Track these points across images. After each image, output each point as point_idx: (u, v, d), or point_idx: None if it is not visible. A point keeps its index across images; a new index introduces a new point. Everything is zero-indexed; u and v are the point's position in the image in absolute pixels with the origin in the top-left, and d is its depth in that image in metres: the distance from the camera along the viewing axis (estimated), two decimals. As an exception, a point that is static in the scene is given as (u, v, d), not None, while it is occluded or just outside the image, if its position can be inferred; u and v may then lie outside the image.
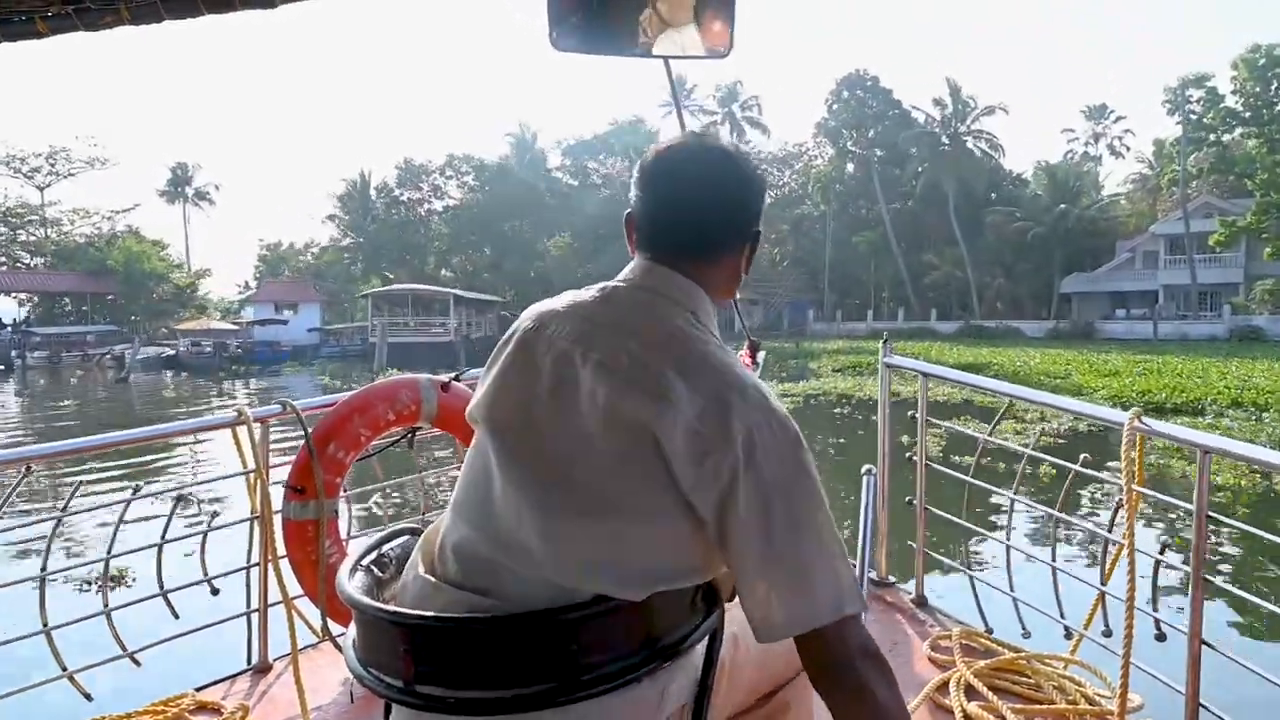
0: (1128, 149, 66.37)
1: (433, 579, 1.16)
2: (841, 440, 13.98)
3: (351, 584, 1.21)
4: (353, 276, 62.66)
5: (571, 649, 1.03)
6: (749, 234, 1.25)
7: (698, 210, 1.21)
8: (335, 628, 2.71)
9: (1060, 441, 12.56)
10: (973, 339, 46.14)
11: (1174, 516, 7.89)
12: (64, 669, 2.30)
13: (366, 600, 1.13)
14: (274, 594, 2.64)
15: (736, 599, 1.37)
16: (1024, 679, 2.50)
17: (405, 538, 1.45)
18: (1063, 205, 53.22)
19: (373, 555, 1.34)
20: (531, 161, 64.58)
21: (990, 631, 2.76)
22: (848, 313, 61.14)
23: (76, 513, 2.47)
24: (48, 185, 58.57)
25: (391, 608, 1.11)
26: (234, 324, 56.17)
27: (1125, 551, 2.19)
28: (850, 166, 62.80)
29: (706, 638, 1.18)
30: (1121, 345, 39.11)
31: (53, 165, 58.02)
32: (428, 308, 50.23)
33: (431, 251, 65.73)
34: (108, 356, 43.49)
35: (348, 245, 66.48)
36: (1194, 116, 46.22)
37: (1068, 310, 53.01)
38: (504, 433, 1.17)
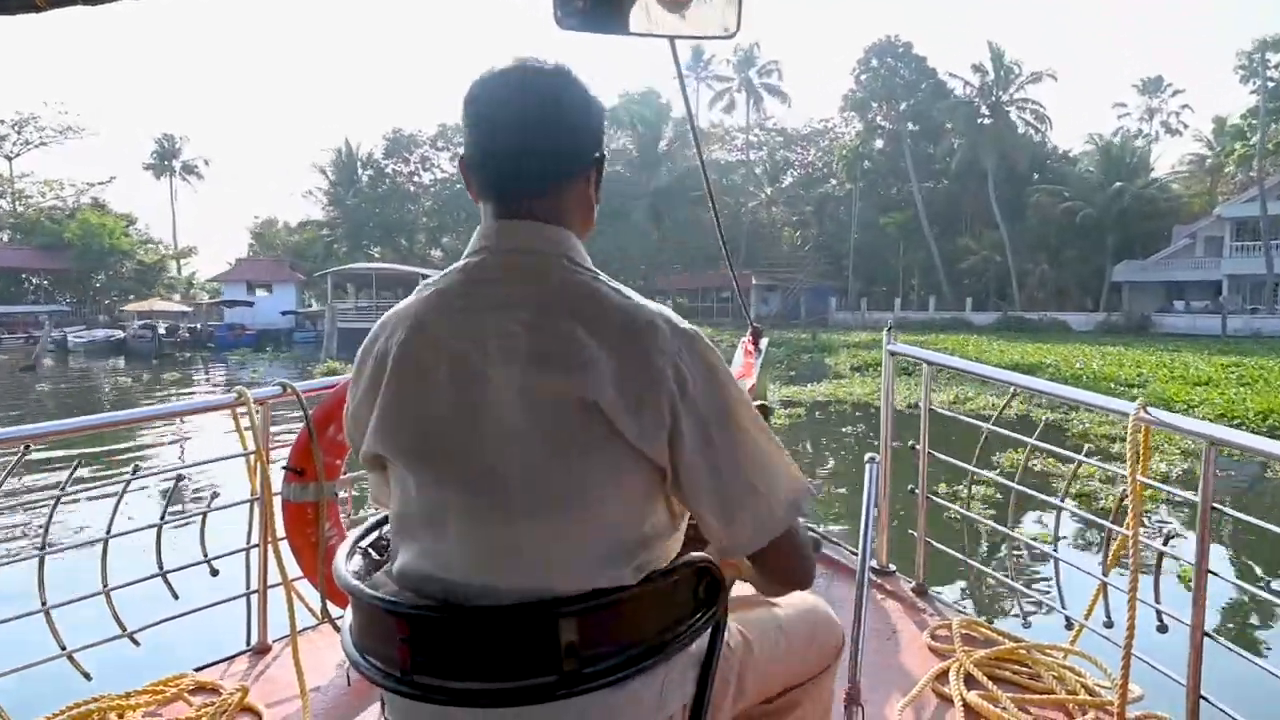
0: (1185, 126, 60.12)
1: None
2: (852, 470, 10.18)
3: (349, 568, 1.20)
4: (336, 255, 55.11)
5: (572, 642, 1.01)
6: (590, 159, 1.16)
7: (530, 142, 1.10)
8: (334, 609, 2.71)
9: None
10: (1013, 332, 41.34)
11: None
12: (63, 648, 2.29)
13: (364, 587, 1.11)
14: (273, 576, 2.64)
15: (740, 591, 1.37)
16: (1024, 669, 2.50)
17: None
18: (1118, 184, 47.52)
19: (370, 539, 1.32)
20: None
21: (990, 621, 2.76)
22: (874, 301, 55.50)
23: (75, 492, 2.46)
24: (16, 155, 55.49)
25: (389, 596, 1.08)
26: (192, 305, 51.70)
27: (1128, 542, 2.18)
28: (879, 142, 57.41)
29: (709, 631, 1.16)
30: (1188, 342, 33.63)
31: (20, 133, 54.77)
32: (394, 288, 43.91)
33: (421, 229, 60.76)
34: (50, 340, 38.72)
35: (328, 221, 60.38)
36: (1272, 84, 41.19)
37: (1117, 301, 47.86)
38: (428, 463, 1.07)
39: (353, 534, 1.31)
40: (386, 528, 1.37)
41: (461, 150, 1.17)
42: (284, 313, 47.18)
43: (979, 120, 52.68)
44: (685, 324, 1.09)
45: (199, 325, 44.34)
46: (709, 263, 54.54)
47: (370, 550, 1.31)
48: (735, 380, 1.11)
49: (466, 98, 1.13)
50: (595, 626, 1.03)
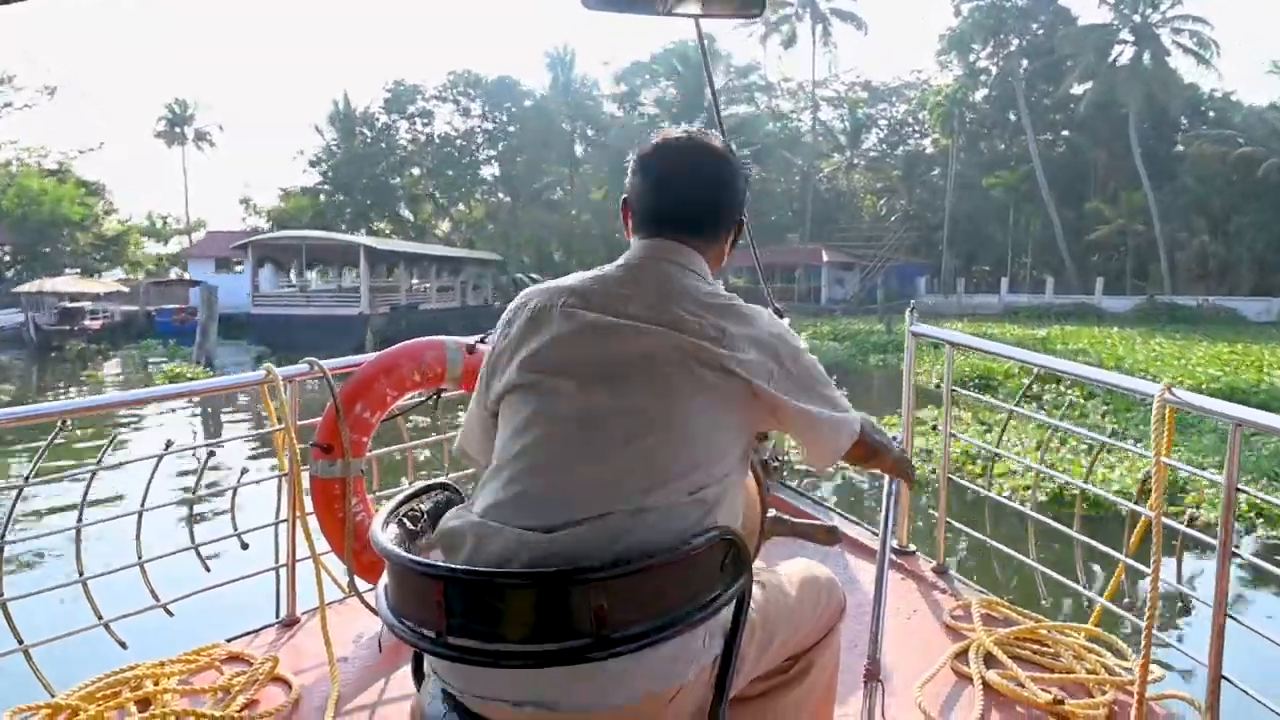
0: None
1: (491, 521, 1.20)
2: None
3: (385, 535, 1.23)
4: (326, 226, 46.62)
5: (603, 606, 1.05)
6: (735, 218, 1.44)
7: (692, 196, 1.39)
8: (361, 584, 2.75)
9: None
10: (1162, 321, 32.33)
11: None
12: (100, 618, 2.36)
13: (402, 551, 1.14)
14: (301, 550, 2.69)
15: (762, 566, 1.42)
16: (1044, 648, 2.51)
17: (437, 493, 1.47)
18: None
19: (405, 509, 1.35)
20: (566, 87, 51.56)
21: (1011, 601, 2.77)
22: (974, 282, 46.31)
23: (112, 467, 2.51)
24: (-4, 117, 45.13)
25: (426, 559, 1.13)
26: (126, 285, 41.10)
27: (1151, 523, 2.18)
28: (982, 90, 47.39)
29: (735, 600, 1.19)
30: None
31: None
32: (335, 263, 38.45)
33: (424, 197, 52.19)
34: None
35: (314, 188, 50.73)
36: None
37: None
38: (562, 393, 1.26)
39: (388, 505, 1.35)
40: (419, 500, 1.41)
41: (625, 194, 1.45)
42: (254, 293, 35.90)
43: (1117, 51, 41.86)
44: (780, 326, 1.38)
45: (140, 309, 35.50)
46: (774, 235, 48.14)
47: (405, 520, 1.34)
48: (809, 351, 1.39)
49: (640, 154, 1.43)
50: (629, 591, 1.07)
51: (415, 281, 39.22)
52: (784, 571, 1.46)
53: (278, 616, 2.76)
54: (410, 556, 1.13)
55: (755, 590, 1.32)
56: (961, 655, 2.47)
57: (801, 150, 51.66)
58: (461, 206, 54.07)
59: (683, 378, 1.23)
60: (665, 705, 1.15)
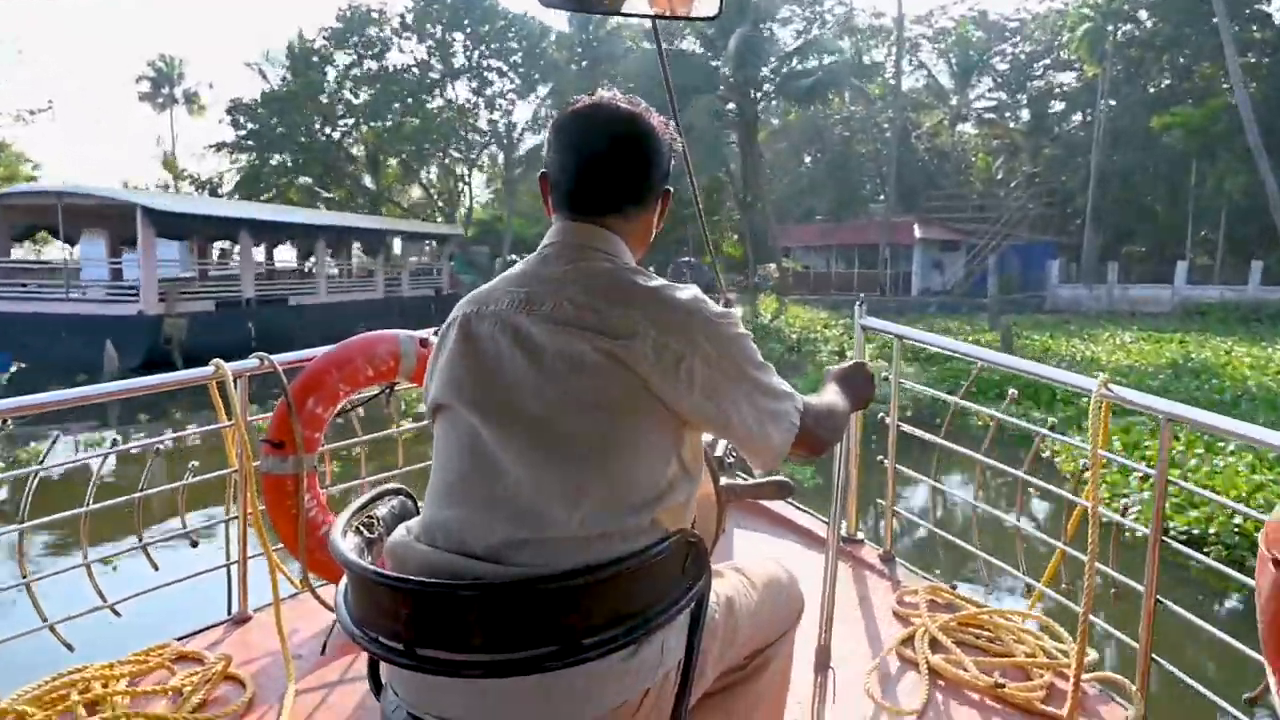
0: None
1: (435, 549, 1.19)
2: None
3: (345, 545, 1.23)
4: (261, 190, 37.82)
5: (571, 614, 1.07)
6: (659, 192, 1.36)
7: (609, 172, 1.31)
8: (314, 579, 2.74)
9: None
10: None
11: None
12: (44, 619, 2.31)
13: (365, 563, 1.15)
14: (252, 547, 2.66)
15: (725, 565, 1.45)
16: (985, 633, 2.60)
17: (391, 499, 1.48)
18: None
19: (362, 515, 1.36)
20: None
21: (954, 587, 2.86)
22: (1131, 267, 32.93)
23: (54, 466, 2.45)
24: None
25: (393, 574, 1.13)
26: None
27: (1088, 512, 2.27)
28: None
29: (696, 601, 1.22)
30: None
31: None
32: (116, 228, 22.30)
33: (390, 153, 39.96)
34: None
35: (235, 143, 39.18)
36: None
37: None
38: (486, 410, 1.22)
39: (344, 513, 1.35)
40: (375, 506, 1.42)
41: (544, 165, 1.36)
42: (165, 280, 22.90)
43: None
44: (713, 304, 1.28)
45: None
46: (854, 207, 39.94)
47: (362, 528, 1.35)
48: (748, 335, 1.30)
49: (555, 124, 1.34)
50: (594, 598, 1.09)
51: (307, 263, 28.72)
52: (746, 570, 1.48)
53: (229, 614, 2.73)
54: (374, 569, 1.13)
55: (719, 590, 1.34)
56: (908, 641, 2.55)
57: (888, 97, 39.09)
58: (432, 169, 42.35)
59: (607, 384, 1.18)
60: (634, 714, 1.16)
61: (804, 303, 29.12)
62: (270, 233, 26.38)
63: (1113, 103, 32.98)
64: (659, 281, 1.27)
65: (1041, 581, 2.68)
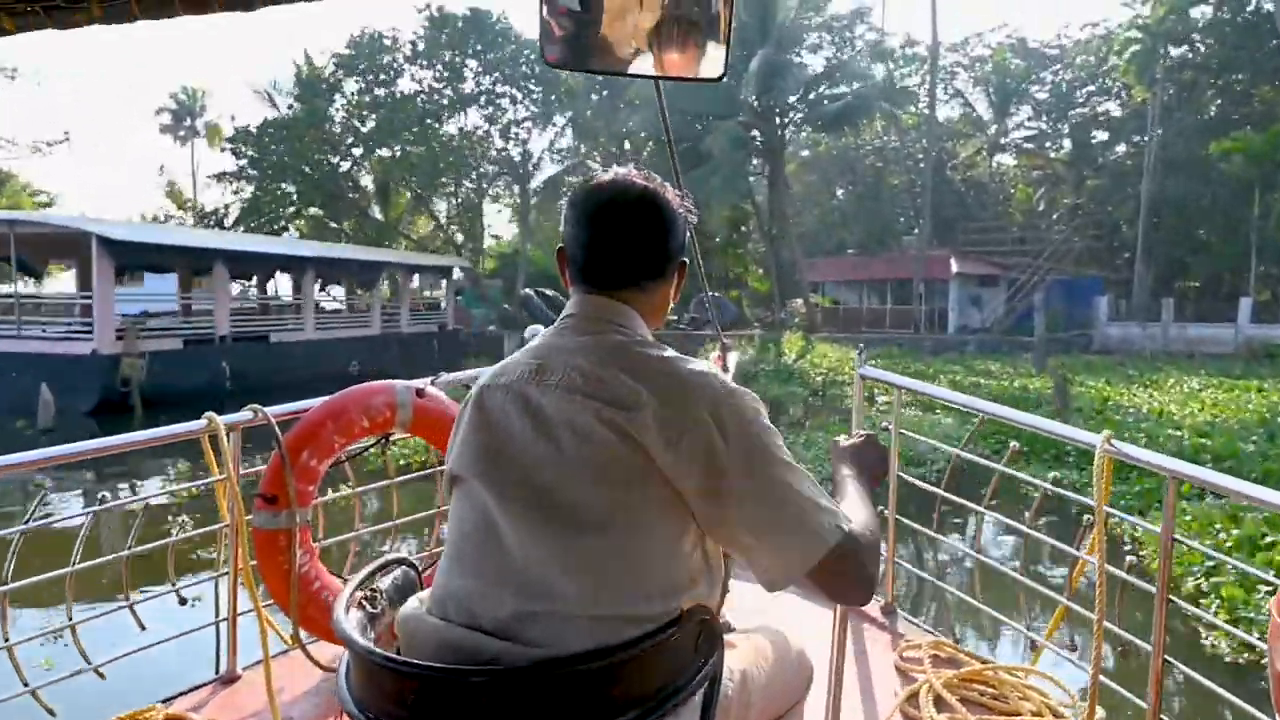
0: None
1: (447, 623, 1.17)
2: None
3: (349, 622, 1.20)
4: (258, 220, 36.01)
5: (584, 699, 1.04)
6: (675, 265, 1.38)
7: (625, 249, 1.33)
8: (304, 635, 2.67)
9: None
10: None
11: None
12: (25, 684, 2.23)
13: (371, 643, 1.12)
14: (243, 604, 2.60)
15: (734, 635, 1.41)
16: (990, 689, 2.56)
17: (394, 569, 1.44)
18: None
19: (365, 590, 1.32)
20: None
21: (958, 641, 2.82)
22: (1189, 303, 30.96)
23: (39, 524, 2.39)
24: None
25: (401, 658, 1.10)
26: None
27: (1092, 568, 2.25)
28: (1205, 6, 31.30)
29: (709, 679, 1.19)
30: None
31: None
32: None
33: (401, 182, 37.59)
34: None
35: (238, 171, 36.84)
36: None
37: None
38: (496, 483, 1.21)
39: (346, 587, 1.31)
40: (380, 578, 1.38)
41: (561, 238, 1.36)
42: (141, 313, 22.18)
43: None
44: (732, 383, 1.23)
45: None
46: (886, 240, 38.00)
47: (364, 603, 1.31)
48: (770, 426, 1.22)
49: (572, 199, 1.36)
50: (604, 684, 1.06)
51: (287, 295, 26.76)
52: (756, 640, 1.44)
53: (217, 673, 2.66)
54: (381, 653, 1.10)
55: (730, 665, 1.31)
56: (912, 699, 2.50)
57: (925, 131, 36.97)
58: (443, 200, 39.71)
59: (614, 456, 1.15)
60: None
61: (833, 340, 27.03)
62: (249, 264, 24.28)
63: (1163, 130, 31.28)
64: (670, 353, 1.25)
65: (1045, 636, 2.65)
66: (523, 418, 1.22)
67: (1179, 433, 12.26)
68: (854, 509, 1.28)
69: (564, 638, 1.10)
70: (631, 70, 1.85)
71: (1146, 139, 31.65)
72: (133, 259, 20.20)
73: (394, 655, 1.10)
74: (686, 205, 1.38)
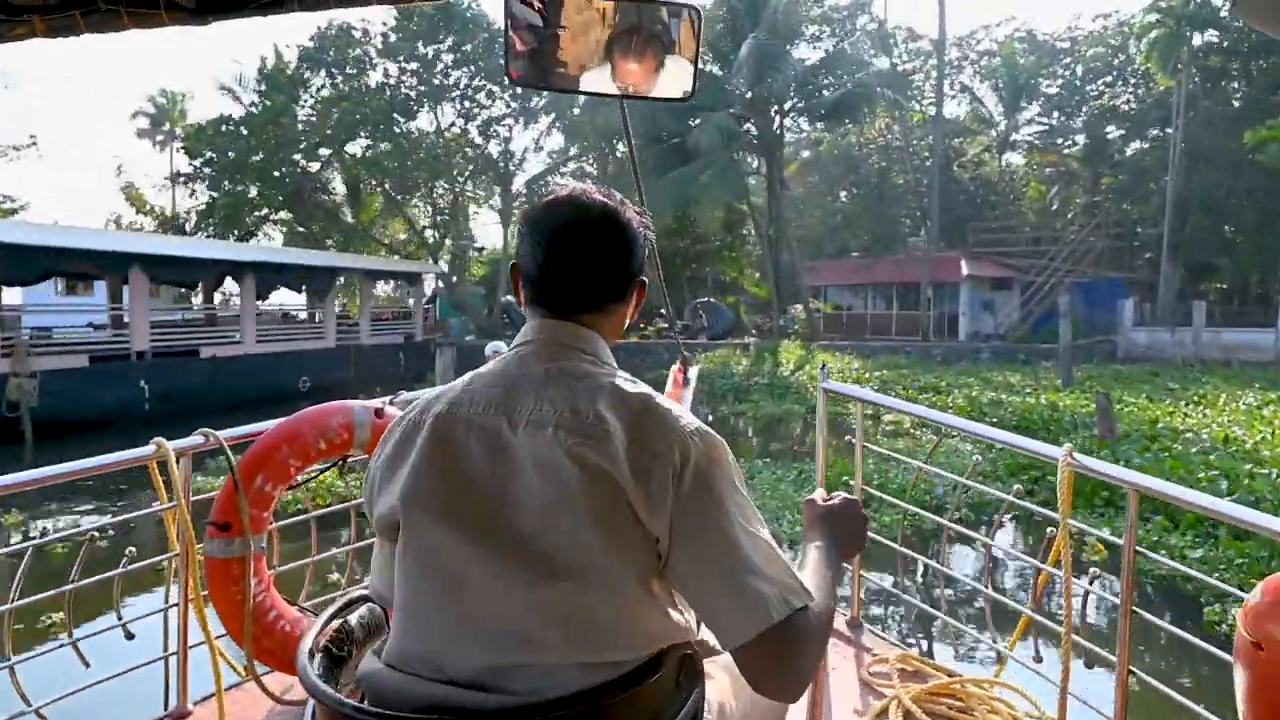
0: None
1: (415, 677, 1.11)
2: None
3: (313, 670, 1.14)
4: (232, 225, 33.65)
5: None
6: (634, 283, 1.33)
7: (586, 272, 1.27)
8: (259, 666, 2.58)
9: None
10: None
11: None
12: (-42, 731, 2.11)
13: (342, 697, 1.06)
14: (194, 635, 2.50)
15: (712, 664, 1.38)
16: (957, 703, 2.57)
17: (359, 606, 1.38)
18: None
19: (329, 633, 1.26)
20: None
21: (925, 655, 2.83)
22: (1222, 308, 29.30)
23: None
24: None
25: (375, 709, 1.05)
26: None
27: (1055, 579, 2.27)
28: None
29: (691, 715, 1.17)
30: None
31: None
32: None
33: (370, 187, 35.58)
34: None
35: (194, 172, 34.39)
36: None
37: None
38: (458, 527, 1.12)
39: (310, 631, 1.26)
40: (344, 617, 1.32)
41: (514, 254, 1.31)
42: (95, 325, 22.89)
43: None
44: (699, 423, 1.17)
45: None
46: (891, 242, 36.03)
47: (330, 646, 1.25)
48: (732, 475, 1.15)
49: (528, 217, 1.29)
50: None
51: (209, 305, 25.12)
52: (735, 672, 1.41)
53: (165, 709, 2.55)
54: (353, 704, 1.05)
55: (710, 697, 1.29)
56: (881, 716, 2.50)
57: (931, 128, 35.07)
58: (418, 200, 36.65)
59: (586, 491, 1.08)
60: None
61: (835, 349, 25.44)
62: (176, 270, 21.09)
63: (1189, 120, 28.96)
64: (642, 389, 1.20)
65: (1009, 647, 2.67)
66: (490, 456, 1.13)
67: (1266, 470, 9.15)
68: (811, 588, 1.14)
69: (546, 687, 1.06)
70: (596, 89, 1.82)
71: (1170, 130, 29.50)
72: (24, 266, 16.90)
73: (366, 707, 1.05)
74: (645, 222, 1.33)
